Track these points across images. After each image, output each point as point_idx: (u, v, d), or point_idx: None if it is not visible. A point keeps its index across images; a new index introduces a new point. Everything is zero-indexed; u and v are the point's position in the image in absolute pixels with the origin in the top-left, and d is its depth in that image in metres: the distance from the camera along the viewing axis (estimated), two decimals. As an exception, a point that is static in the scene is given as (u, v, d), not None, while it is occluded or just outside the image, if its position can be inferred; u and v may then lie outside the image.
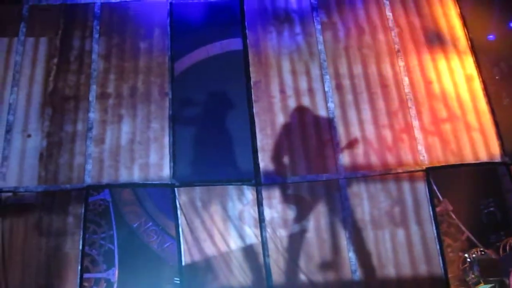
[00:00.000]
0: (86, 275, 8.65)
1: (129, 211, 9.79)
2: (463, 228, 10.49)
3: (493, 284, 9.66)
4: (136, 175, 7.42)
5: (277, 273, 7.03)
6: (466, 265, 9.92)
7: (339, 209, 7.27)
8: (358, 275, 7.01)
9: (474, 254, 9.84)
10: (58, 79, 7.91)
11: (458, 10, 8.44)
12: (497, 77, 10.47)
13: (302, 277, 7.01)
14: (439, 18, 8.37)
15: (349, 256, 7.08)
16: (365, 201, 7.32)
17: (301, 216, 7.27)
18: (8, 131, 7.55)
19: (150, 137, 7.61)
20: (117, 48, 8.15)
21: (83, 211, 7.19)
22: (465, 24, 8.36)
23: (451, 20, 8.37)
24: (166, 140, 7.55)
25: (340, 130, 7.64)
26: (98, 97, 7.83)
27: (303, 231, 7.21)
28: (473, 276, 9.72)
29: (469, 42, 8.23)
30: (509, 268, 9.07)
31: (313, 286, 6.97)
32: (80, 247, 7.04)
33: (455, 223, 10.53)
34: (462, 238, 10.55)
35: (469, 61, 8.11)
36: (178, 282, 7.33)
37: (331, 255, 7.11)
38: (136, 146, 7.56)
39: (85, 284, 8.81)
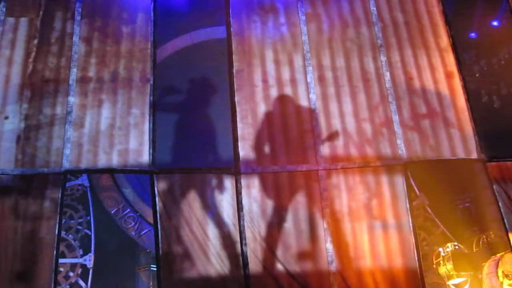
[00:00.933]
0: (61, 260, 8.63)
1: (107, 197, 9.75)
2: (438, 223, 10.65)
3: (465, 278, 9.82)
4: (115, 161, 7.35)
5: (254, 262, 7.05)
6: (440, 258, 10.08)
7: (317, 200, 7.32)
8: (334, 265, 7.07)
9: (448, 248, 9.99)
10: (38, 61, 7.77)
11: (441, 8, 8.48)
12: (477, 75, 10.63)
13: (279, 266, 7.05)
14: (422, 14, 8.43)
15: (326, 247, 7.13)
16: (343, 193, 7.38)
17: (280, 206, 7.30)
18: (-15, 112, 7.42)
19: (130, 122, 7.54)
20: (99, 32, 8.04)
21: (60, 195, 7.09)
22: (447, 21, 8.40)
23: (434, 17, 8.42)
24: (146, 126, 7.50)
25: (321, 121, 7.68)
26: (79, 80, 7.72)
27: (281, 221, 7.24)
28: (446, 269, 9.88)
29: (450, 39, 8.28)
30: (482, 263, 9.22)
31: (290, 276, 7.01)
32: (56, 231, 6.95)
33: (431, 218, 10.68)
34: (437, 232, 10.70)
35: (450, 58, 8.17)
36: (155, 269, 7.31)
37: (308, 245, 7.16)
38: (115, 132, 7.48)
39: (61, 269, 8.78)
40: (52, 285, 6.73)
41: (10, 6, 8.04)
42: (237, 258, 7.08)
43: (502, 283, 8.58)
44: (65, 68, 7.78)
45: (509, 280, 8.39)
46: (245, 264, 7.02)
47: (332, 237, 7.18)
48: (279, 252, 7.13)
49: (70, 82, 7.68)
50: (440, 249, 10.13)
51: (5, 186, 7.15)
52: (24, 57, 7.78)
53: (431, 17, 8.41)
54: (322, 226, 7.22)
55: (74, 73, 7.74)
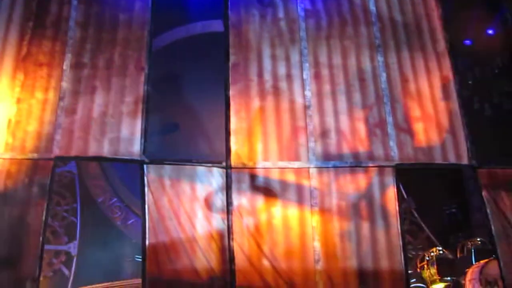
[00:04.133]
0: (46, 247, 8.53)
1: (95, 185, 9.70)
2: (424, 227, 10.72)
3: (448, 283, 9.90)
4: (106, 149, 7.30)
5: (241, 257, 7.03)
6: (424, 262, 10.15)
7: (307, 197, 7.30)
8: (321, 264, 7.06)
9: (433, 253, 10.07)
10: (32, 44, 7.72)
11: (440, 12, 8.48)
12: (470, 82, 10.67)
13: (266, 262, 7.03)
14: (421, 18, 8.44)
15: (313, 245, 7.12)
16: (333, 192, 7.36)
17: (269, 202, 7.28)
18: (-24, 94, 7.33)
19: (123, 111, 7.49)
20: (96, 17, 7.98)
21: (49, 182, 7.03)
22: (445, 26, 8.41)
23: (433, 21, 8.43)
24: (139, 116, 7.45)
25: (315, 119, 7.66)
26: (73, 66, 7.67)
27: (269, 217, 7.22)
28: (430, 274, 9.95)
29: (447, 44, 8.29)
30: (465, 269, 9.29)
31: (275, 272, 6.99)
32: (44, 218, 6.88)
33: (417, 222, 10.74)
34: (422, 236, 10.78)
35: (446, 63, 8.18)
36: (140, 259, 7.26)
37: (295, 243, 7.14)
38: (108, 120, 7.43)
39: (44, 255, 8.68)
40: (37, 271, 6.67)
41: (6, -14, 7.95)
42: (223, 252, 7.05)
43: (484, 289, 8.65)
44: (60, 53, 7.72)
45: (492, 287, 8.46)
46: (232, 258, 6.99)
47: (320, 235, 7.17)
48: (266, 248, 7.10)
49: (64, 67, 7.64)
50: (425, 253, 10.19)
51: (-6, 170, 7.07)
52: (19, 39, 7.72)
53: (429, 21, 8.41)
54: (311, 224, 7.21)
55: (68, 59, 7.69)
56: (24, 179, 7.04)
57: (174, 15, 9.32)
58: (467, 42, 10.67)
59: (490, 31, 10.72)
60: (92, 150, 7.28)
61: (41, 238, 6.80)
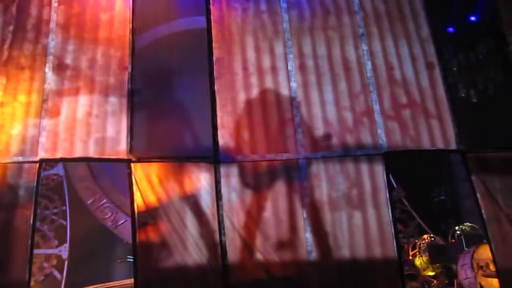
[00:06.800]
0: (36, 251, 8.48)
1: (84, 187, 9.63)
2: (415, 215, 10.75)
3: (441, 270, 9.95)
4: (92, 150, 7.25)
5: (233, 252, 7.01)
6: (416, 250, 10.19)
7: (297, 189, 7.29)
8: (313, 255, 7.06)
9: (424, 240, 10.10)
10: (13, 47, 7.65)
11: (423, -1, 8.52)
12: (455, 69, 10.71)
13: (258, 256, 7.02)
14: (404, 5, 8.45)
15: (305, 236, 7.12)
16: (323, 182, 7.36)
17: (259, 195, 7.26)
18: (-41, 99, 7.25)
19: (107, 110, 7.44)
20: (77, 18, 7.91)
21: (35, 185, 6.97)
22: (428, 13, 8.43)
23: (416, 8, 8.44)
24: (124, 114, 7.41)
25: (302, 110, 7.66)
26: (55, 68, 7.60)
27: (260, 210, 7.20)
28: (422, 261, 9.99)
29: (431, 31, 8.31)
30: (457, 255, 9.33)
31: (268, 266, 6.98)
32: (31, 221, 6.82)
33: (407, 210, 10.78)
34: (413, 224, 10.82)
35: (431, 49, 8.20)
36: (132, 260, 7.22)
37: (287, 235, 7.13)
38: (92, 120, 7.38)
39: (35, 260, 8.62)
40: (27, 276, 6.62)
41: (-16, -9, 7.88)
42: (215, 248, 7.03)
43: (476, 274, 8.69)
44: (41, 55, 7.66)
45: (484, 271, 8.51)
46: (224, 254, 6.98)
47: (312, 226, 7.17)
48: (258, 242, 7.09)
49: (46, 69, 7.57)
50: (416, 241, 10.23)
51: (-21, 174, 7.00)
52: (-1, 44, 7.64)
53: (412, 8, 8.42)
54: (302, 216, 7.20)
55: (50, 61, 7.63)
56: (10, 183, 6.96)
57: (156, 13, 9.28)
58: (451, 29, 10.70)
59: (473, 18, 10.76)
60: (78, 151, 7.22)
61: (29, 243, 6.74)
